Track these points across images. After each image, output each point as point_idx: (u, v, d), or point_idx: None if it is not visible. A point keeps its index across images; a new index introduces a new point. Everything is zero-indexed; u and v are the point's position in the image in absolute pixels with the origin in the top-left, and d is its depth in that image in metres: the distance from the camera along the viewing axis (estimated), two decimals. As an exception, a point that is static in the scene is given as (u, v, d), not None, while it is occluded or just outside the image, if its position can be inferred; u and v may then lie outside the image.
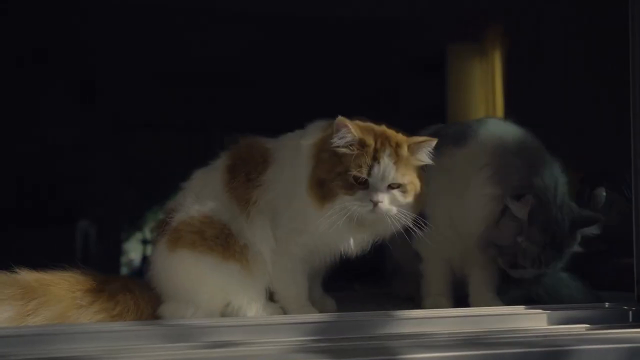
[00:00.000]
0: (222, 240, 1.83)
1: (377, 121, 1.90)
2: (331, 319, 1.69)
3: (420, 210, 1.86)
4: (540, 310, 1.78)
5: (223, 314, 1.83)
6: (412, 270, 2.11)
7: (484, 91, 3.49)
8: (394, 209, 1.79)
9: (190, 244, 1.82)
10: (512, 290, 2.00)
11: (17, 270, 1.76)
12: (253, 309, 1.84)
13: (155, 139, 4.38)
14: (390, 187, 1.79)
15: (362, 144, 1.78)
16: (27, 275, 1.76)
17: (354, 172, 1.76)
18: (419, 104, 3.62)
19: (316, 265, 1.95)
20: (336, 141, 1.77)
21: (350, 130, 1.77)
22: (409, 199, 1.81)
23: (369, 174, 1.77)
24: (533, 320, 1.75)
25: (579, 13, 2.73)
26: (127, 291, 1.83)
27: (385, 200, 1.78)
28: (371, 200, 1.76)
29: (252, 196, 1.87)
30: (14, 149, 3.58)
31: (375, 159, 1.78)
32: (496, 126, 2.05)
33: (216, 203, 1.87)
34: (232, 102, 4.05)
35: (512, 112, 3.31)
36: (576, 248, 1.92)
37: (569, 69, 2.81)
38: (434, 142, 1.83)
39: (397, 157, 1.79)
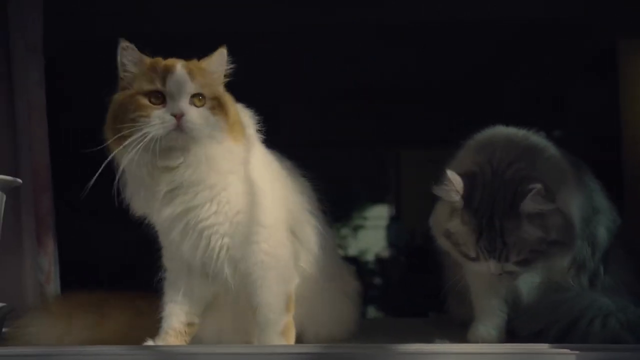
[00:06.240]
0: None
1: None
2: (315, 351, 1.60)
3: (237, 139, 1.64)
4: (567, 350, 1.56)
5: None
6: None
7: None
8: (205, 126, 1.58)
9: None
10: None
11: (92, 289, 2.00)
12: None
13: (333, 155, 4.56)
14: (194, 104, 1.60)
15: (150, 62, 1.64)
16: (95, 295, 1.99)
17: (146, 87, 1.59)
18: (589, 107, 3.32)
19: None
20: (122, 62, 1.63)
21: (133, 49, 1.63)
22: (220, 116, 1.62)
23: (163, 83, 1.59)
24: (558, 362, 1.57)
25: None
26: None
27: (191, 113, 1.58)
28: (173, 114, 1.56)
29: None
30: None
31: (168, 70, 1.61)
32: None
33: None
34: (401, 115, 4.06)
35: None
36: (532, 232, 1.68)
37: None
38: (223, 50, 1.68)
39: (190, 68, 1.62)
